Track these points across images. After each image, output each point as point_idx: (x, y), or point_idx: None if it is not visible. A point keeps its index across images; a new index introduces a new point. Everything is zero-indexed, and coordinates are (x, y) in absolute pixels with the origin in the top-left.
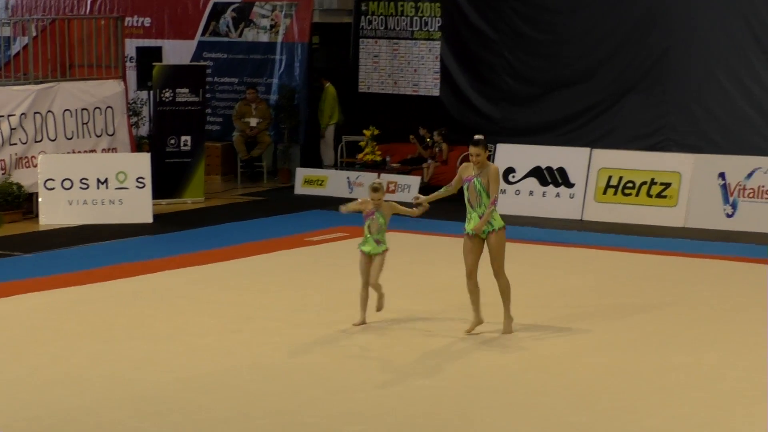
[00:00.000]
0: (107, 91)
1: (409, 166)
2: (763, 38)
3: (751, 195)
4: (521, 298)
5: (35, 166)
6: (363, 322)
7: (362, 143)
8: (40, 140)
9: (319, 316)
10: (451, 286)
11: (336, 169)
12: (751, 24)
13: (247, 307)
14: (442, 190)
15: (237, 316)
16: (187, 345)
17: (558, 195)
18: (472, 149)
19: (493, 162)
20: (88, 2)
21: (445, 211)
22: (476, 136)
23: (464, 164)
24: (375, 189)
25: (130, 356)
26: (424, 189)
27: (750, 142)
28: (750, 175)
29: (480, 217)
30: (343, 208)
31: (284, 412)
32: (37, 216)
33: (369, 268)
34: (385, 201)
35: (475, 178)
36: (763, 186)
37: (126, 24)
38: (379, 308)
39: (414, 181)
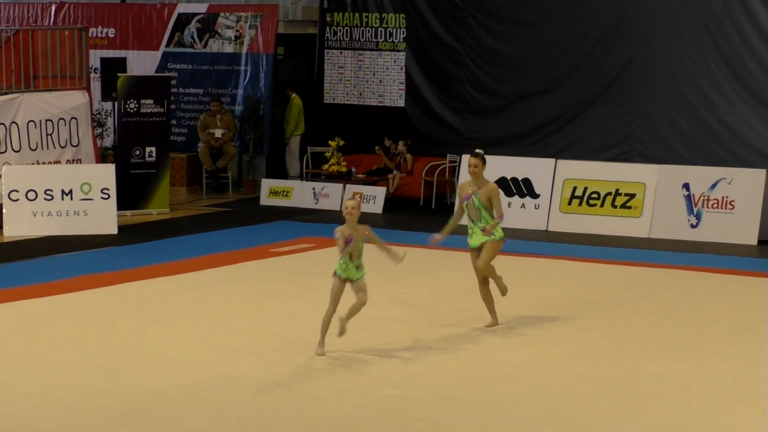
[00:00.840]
0: (71, 102)
1: (374, 177)
2: (726, 50)
3: (715, 206)
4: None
5: None
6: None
7: (327, 154)
8: (4, 151)
9: (287, 327)
10: (421, 298)
11: (301, 180)
12: (714, 36)
13: (216, 319)
14: (451, 222)
15: (206, 327)
16: (158, 356)
17: (523, 206)
18: (471, 160)
19: (458, 173)
20: (52, 13)
21: (413, 223)
22: (477, 150)
23: (461, 184)
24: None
25: (101, 367)
26: (390, 200)
27: (713, 153)
28: (714, 185)
29: (482, 230)
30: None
31: (257, 423)
32: (1, 227)
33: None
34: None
35: (473, 196)
36: (727, 196)
37: (90, 35)
38: (341, 333)
39: (380, 192)
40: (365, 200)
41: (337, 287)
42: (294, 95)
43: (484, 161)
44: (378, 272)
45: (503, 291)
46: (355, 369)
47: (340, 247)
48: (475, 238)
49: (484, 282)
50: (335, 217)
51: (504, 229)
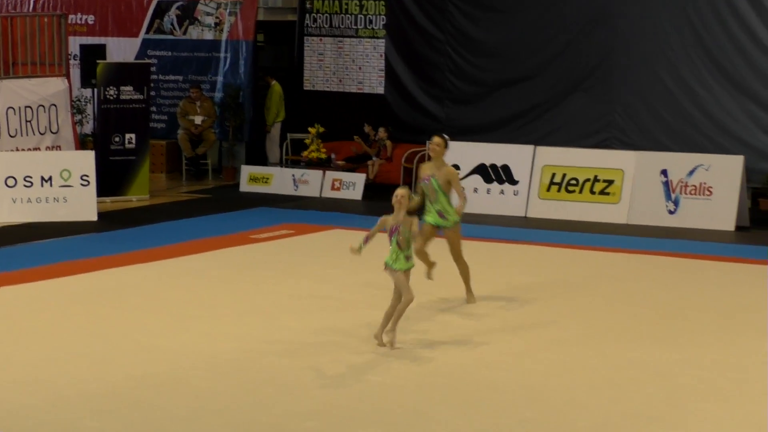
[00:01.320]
0: (51, 88)
1: (354, 164)
2: (706, 39)
3: (692, 192)
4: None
5: None
6: (390, 343)
7: (307, 141)
8: None
9: (268, 314)
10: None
11: (281, 166)
12: (694, 25)
13: (197, 305)
14: (414, 201)
15: (187, 314)
16: (139, 343)
17: (502, 192)
18: (436, 139)
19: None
20: (32, 0)
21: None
22: (443, 134)
23: (421, 165)
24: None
25: (83, 354)
26: (370, 187)
27: (692, 141)
28: (692, 172)
29: (438, 213)
30: (359, 249)
31: (238, 410)
32: None
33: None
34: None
35: (432, 178)
36: (704, 183)
37: (69, 22)
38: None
39: (359, 178)
40: (345, 187)
41: (398, 277)
42: (274, 82)
43: (447, 145)
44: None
45: (429, 274)
46: (337, 356)
47: (369, 236)
48: (430, 216)
49: (420, 252)
50: (315, 204)
51: (483, 216)
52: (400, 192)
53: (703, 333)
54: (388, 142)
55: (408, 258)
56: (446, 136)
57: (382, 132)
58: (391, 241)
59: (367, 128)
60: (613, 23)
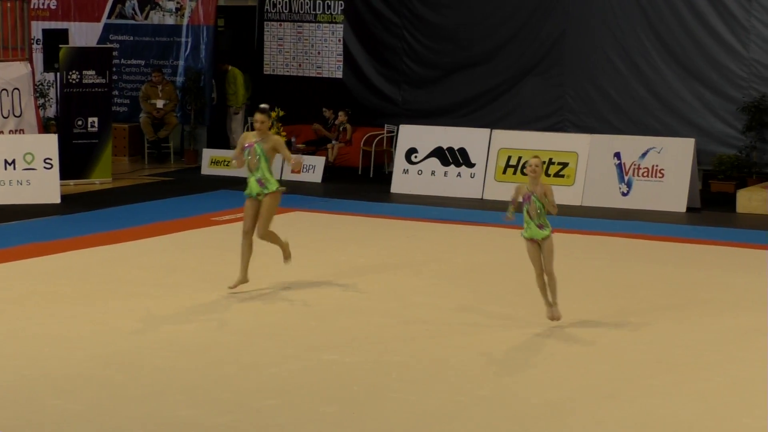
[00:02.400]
0: (14, 72)
1: (314, 147)
2: (656, 22)
3: (645, 174)
4: (432, 274)
5: None
6: (555, 318)
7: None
8: None
9: (229, 294)
10: (362, 265)
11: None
12: (644, 8)
13: (159, 286)
14: (232, 162)
15: (149, 294)
16: (102, 323)
17: (459, 175)
18: (258, 116)
19: (395, 143)
20: None
21: (352, 191)
22: (262, 105)
23: (244, 134)
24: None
25: (45, 334)
26: (330, 170)
27: (644, 123)
28: (644, 154)
29: (258, 181)
30: (509, 214)
31: (199, 388)
32: None
33: (539, 256)
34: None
35: (256, 144)
36: (656, 165)
37: (32, 6)
38: (552, 302)
39: (319, 161)
40: (304, 170)
41: (529, 249)
42: (230, 68)
43: (270, 116)
44: (316, 240)
45: (286, 256)
46: (295, 334)
47: (513, 204)
48: (252, 187)
49: (247, 235)
50: None
51: (440, 198)
52: (534, 161)
53: (655, 311)
54: (348, 126)
55: (541, 227)
56: (266, 107)
57: (342, 116)
58: (523, 210)
59: (327, 112)
60: (565, 7)
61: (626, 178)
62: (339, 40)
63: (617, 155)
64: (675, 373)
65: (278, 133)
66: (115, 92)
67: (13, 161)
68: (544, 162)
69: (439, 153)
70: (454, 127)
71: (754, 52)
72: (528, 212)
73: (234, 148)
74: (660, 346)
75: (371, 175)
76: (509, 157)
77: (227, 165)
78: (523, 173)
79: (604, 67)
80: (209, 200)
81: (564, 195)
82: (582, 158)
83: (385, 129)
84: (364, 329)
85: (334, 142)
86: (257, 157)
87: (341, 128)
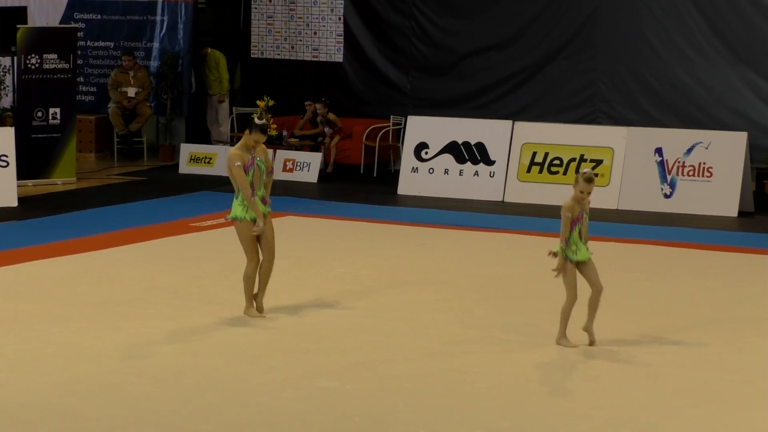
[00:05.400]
0: None
1: (309, 141)
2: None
3: (690, 173)
4: (444, 288)
5: None
6: (591, 341)
7: (255, 115)
8: None
9: (210, 312)
10: (362, 278)
11: (225, 145)
12: None
13: (130, 303)
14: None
15: (118, 312)
16: (65, 343)
17: (476, 173)
18: (261, 137)
19: (403, 137)
20: None
21: (353, 193)
22: (262, 122)
23: (233, 155)
24: (588, 180)
25: (0, 356)
26: (326, 170)
27: (688, 115)
28: (689, 150)
29: (262, 199)
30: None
31: (175, 418)
32: None
33: (576, 280)
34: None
35: (258, 161)
36: (703, 163)
37: None
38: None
39: (314, 158)
40: (298, 168)
41: (571, 272)
42: (210, 50)
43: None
44: (309, 250)
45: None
46: (287, 358)
47: (565, 226)
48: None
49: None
50: None
51: (454, 201)
52: (591, 187)
53: (699, 330)
54: (331, 115)
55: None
56: (264, 123)
57: (320, 108)
58: (572, 230)
59: (310, 107)
60: None
61: (669, 177)
62: (339, 19)
63: (658, 151)
64: (723, 402)
65: (268, 125)
66: (80, 79)
67: None
68: (574, 159)
69: (453, 148)
70: (471, 119)
71: None
72: (580, 232)
73: (216, 143)
74: (706, 370)
75: (375, 174)
76: (534, 154)
77: (254, 233)
78: (550, 172)
79: (643, 50)
80: (188, 203)
81: (598, 197)
82: (618, 155)
83: (391, 121)
84: (367, 352)
85: (328, 139)
86: (261, 174)
87: (324, 122)
